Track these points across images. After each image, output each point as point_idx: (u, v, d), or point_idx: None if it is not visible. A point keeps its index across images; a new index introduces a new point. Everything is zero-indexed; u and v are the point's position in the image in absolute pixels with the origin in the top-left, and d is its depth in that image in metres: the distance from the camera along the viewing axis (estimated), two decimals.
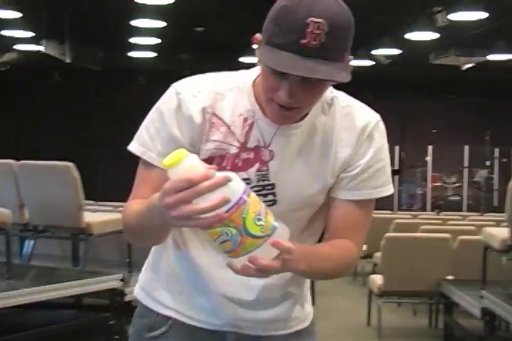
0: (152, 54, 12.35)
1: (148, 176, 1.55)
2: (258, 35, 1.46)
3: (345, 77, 1.41)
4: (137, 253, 5.13)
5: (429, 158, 14.50)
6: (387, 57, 11.52)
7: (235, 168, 1.51)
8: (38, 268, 5.18)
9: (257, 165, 1.55)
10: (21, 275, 4.63)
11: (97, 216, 5.43)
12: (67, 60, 10.23)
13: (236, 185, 1.29)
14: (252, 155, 1.54)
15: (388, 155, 1.63)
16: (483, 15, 8.53)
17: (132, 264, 5.27)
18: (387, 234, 5.92)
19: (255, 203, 1.32)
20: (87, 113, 14.61)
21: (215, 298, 1.62)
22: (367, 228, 1.66)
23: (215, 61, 12.56)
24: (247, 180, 1.50)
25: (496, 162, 14.80)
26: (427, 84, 14.28)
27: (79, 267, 5.27)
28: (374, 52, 11.18)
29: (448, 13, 8.79)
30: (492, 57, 10.89)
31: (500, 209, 13.49)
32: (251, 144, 1.55)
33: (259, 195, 1.43)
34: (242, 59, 12.35)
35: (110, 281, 4.79)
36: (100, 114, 14.62)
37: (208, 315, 1.64)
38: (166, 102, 1.56)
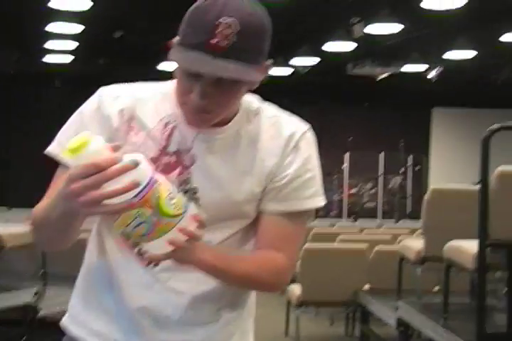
0: (69, 58, 12.11)
1: (62, 177, 1.47)
2: (174, 40, 1.45)
3: (257, 77, 1.41)
4: (52, 264, 5.00)
5: (345, 165, 14.71)
6: (306, 66, 11.64)
7: None
8: None
9: (178, 170, 1.52)
10: None
11: (10, 228, 5.24)
12: None
13: (145, 167, 1.27)
14: (173, 159, 1.52)
15: (318, 166, 1.60)
16: (398, 27, 8.70)
17: (47, 276, 5.12)
18: (306, 246, 5.95)
19: (166, 183, 1.31)
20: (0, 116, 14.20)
21: (138, 317, 1.55)
22: (301, 241, 1.63)
23: (134, 66, 12.46)
24: None
25: (410, 169, 15.15)
26: (344, 93, 14.49)
27: None
28: (293, 60, 11.27)
29: (365, 25, 8.96)
30: (406, 68, 11.14)
31: (413, 215, 13.92)
32: (172, 148, 1.52)
33: None
34: (161, 65, 12.26)
35: (23, 296, 4.64)
36: (15, 117, 14.22)
37: (132, 338, 1.56)
38: (88, 104, 1.56)
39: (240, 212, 1.56)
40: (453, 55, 10.37)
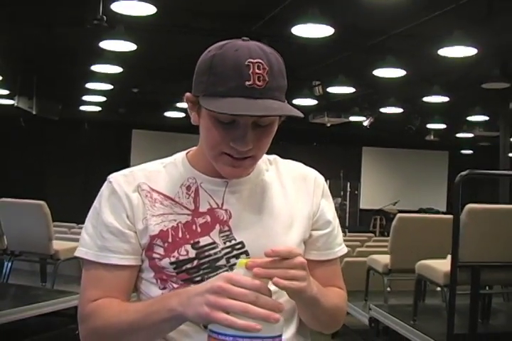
0: (98, 108, 11.75)
1: (101, 276, 1.11)
2: (188, 94, 1.09)
3: (300, 113, 1.04)
4: None
5: None
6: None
7: (194, 235, 1.11)
8: (15, 287, 4.59)
9: (217, 227, 1.13)
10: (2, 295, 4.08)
11: (64, 244, 4.86)
12: (34, 112, 9.53)
13: (281, 322, 0.90)
14: (208, 218, 1.13)
15: None
16: (350, 89, 8.55)
17: None
18: None
19: None
20: (45, 151, 13.58)
21: None
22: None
23: (146, 114, 12.14)
24: (212, 244, 1.11)
25: (348, 193, 15.09)
26: (300, 135, 14.32)
27: (46, 284, 4.72)
28: None
29: (325, 87, 8.78)
30: (351, 118, 11.03)
31: (349, 228, 13.78)
32: (203, 208, 1.14)
33: (230, 257, 1.09)
34: (167, 113, 11.98)
35: (75, 300, 4.25)
36: (57, 151, 13.62)
37: None
38: (100, 195, 1.16)
39: None
40: (385, 110, 10.29)
